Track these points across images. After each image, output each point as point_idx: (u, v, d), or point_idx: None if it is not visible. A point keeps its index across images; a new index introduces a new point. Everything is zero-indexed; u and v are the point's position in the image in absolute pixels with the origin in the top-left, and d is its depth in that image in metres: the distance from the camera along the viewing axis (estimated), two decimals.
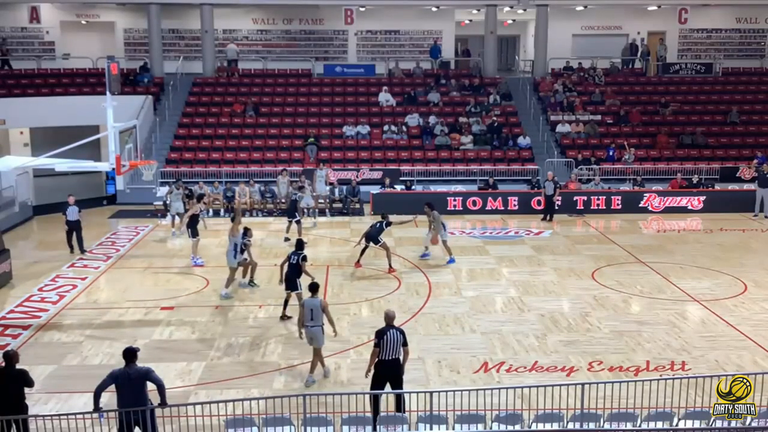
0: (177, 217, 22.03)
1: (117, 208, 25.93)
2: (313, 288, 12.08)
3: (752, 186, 25.07)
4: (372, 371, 10.37)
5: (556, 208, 24.06)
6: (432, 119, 29.45)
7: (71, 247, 19.95)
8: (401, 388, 10.34)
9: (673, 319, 14.70)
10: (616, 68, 33.99)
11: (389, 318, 10.50)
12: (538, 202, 24.56)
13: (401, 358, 10.37)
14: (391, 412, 9.92)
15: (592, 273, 17.90)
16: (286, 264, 14.46)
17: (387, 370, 10.28)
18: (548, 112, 30.52)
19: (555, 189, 23.86)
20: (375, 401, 10.06)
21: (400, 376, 10.36)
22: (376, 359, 10.30)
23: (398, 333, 10.29)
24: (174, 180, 24.77)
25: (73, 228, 19.93)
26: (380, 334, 10.27)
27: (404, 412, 9.86)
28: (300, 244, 14.87)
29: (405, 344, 10.33)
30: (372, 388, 10.35)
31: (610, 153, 27.72)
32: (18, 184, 24.09)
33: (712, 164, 27.45)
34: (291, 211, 21.33)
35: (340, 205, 25.34)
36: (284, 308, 14.74)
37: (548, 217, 23.83)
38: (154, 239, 21.75)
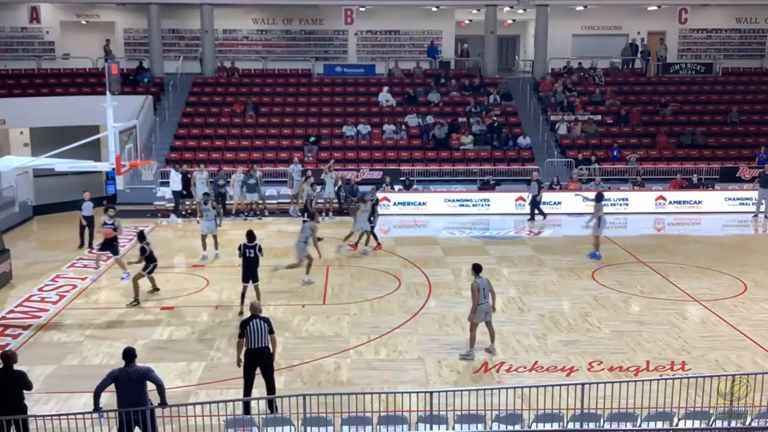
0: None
1: (117, 208, 25.72)
2: (480, 269, 12.94)
3: (752, 186, 25.07)
4: (242, 361, 10.72)
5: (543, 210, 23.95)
6: (429, 118, 29.44)
7: (82, 241, 20.08)
8: (272, 375, 10.81)
9: (673, 319, 14.70)
10: (616, 68, 33.96)
11: (254, 309, 10.89)
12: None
13: (270, 346, 10.71)
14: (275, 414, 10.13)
15: (592, 273, 17.89)
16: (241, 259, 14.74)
17: (255, 359, 10.64)
18: (548, 112, 30.49)
19: (539, 189, 23.79)
20: (247, 388, 10.69)
21: (269, 364, 10.77)
22: (245, 348, 10.62)
23: (263, 322, 10.64)
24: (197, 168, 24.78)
25: (88, 224, 20.25)
26: (244, 325, 10.65)
27: (276, 413, 10.19)
28: (251, 235, 14.95)
29: (271, 332, 10.68)
30: (244, 376, 10.73)
31: (614, 153, 27.68)
32: (18, 184, 24.08)
33: (712, 164, 27.42)
34: (305, 211, 21.22)
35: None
36: (242, 302, 14.89)
37: (533, 218, 23.78)
38: (154, 239, 21.67)
